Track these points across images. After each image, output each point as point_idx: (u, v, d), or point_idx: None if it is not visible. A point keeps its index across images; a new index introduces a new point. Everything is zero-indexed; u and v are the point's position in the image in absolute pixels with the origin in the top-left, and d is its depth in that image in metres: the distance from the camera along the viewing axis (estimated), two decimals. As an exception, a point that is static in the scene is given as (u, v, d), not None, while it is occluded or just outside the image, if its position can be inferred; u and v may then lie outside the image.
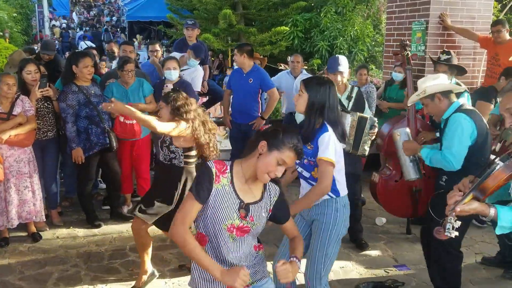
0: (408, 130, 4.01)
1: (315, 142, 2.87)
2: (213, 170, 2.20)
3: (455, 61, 4.58)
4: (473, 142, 3.28)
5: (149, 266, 3.92)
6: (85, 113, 4.78)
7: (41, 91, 4.68)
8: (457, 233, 2.12)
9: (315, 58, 12.34)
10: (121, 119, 5.07)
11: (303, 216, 3.13)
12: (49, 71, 5.67)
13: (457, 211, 2.14)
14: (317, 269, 2.92)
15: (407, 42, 5.06)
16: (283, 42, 12.29)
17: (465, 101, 4.31)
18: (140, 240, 3.83)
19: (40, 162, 4.80)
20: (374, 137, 4.41)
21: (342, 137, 2.93)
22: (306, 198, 2.95)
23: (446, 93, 3.41)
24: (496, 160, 2.21)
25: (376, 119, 4.52)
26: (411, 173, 4.02)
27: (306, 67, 11.83)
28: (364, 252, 4.57)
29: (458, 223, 2.12)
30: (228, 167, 2.24)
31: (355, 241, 4.69)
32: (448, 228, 2.12)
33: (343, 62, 4.38)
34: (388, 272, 4.21)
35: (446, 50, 4.65)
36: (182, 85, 5.08)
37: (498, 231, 2.19)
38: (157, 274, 3.96)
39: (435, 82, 3.46)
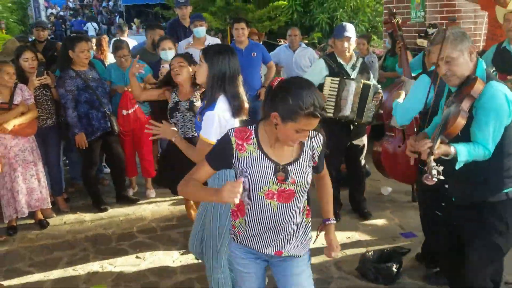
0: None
1: (201, 115, 2.75)
2: (232, 139, 2.09)
3: None
4: (428, 105, 3.29)
5: None
6: (84, 98, 4.76)
7: (39, 79, 4.66)
8: (442, 177, 2.23)
9: (316, 32, 12.18)
10: (124, 112, 5.08)
11: None
12: (45, 55, 5.67)
13: (436, 154, 2.32)
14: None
15: (394, 10, 5.00)
16: (282, 17, 12.11)
17: None
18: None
19: (42, 150, 4.81)
20: (378, 102, 4.37)
21: (237, 111, 2.72)
22: (186, 145, 2.83)
23: None
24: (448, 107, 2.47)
25: (379, 86, 4.49)
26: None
27: (306, 41, 11.73)
28: (370, 222, 4.58)
29: (440, 167, 2.25)
30: (253, 132, 2.11)
31: (358, 210, 4.69)
32: (434, 174, 2.23)
33: (350, 29, 4.35)
34: (395, 240, 4.22)
35: (432, 23, 4.55)
36: None
37: (458, 166, 2.42)
38: None
39: None
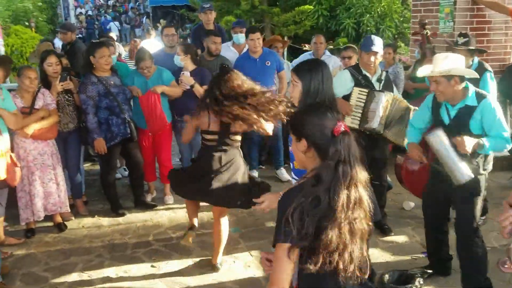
0: (440, 131, 3.33)
1: None
2: None
3: (473, 44, 4.23)
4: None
5: None
6: (105, 104, 4.78)
7: (62, 85, 4.69)
8: None
9: (341, 37, 12.04)
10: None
11: None
12: (71, 58, 5.72)
13: None
14: None
15: (426, 20, 4.85)
16: (307, 21, 11.99)
17: (485, 83, 4.11)
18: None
19: (62, 153, 4.84)
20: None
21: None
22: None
23: (463, 78, 3.25)
24: None
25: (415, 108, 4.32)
26: (464, 173, 3.23)
27: (332, 47, 11.61)
28: (390, 238, 4.46)
29: None
30: None
31: (378, 226, 4.58)
32: None
33: (378, 42, 4.29)
34: (415, 259, 4.10)
35: (463, 32, 4.35)
36: (200, 73, 5.02)
37: None
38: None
39: (457, 63, 3.27)
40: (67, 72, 4.81)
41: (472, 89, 3.29)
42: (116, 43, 7.06)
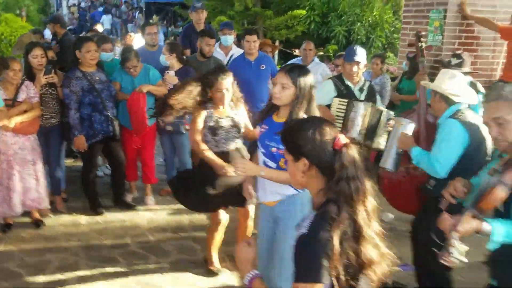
0: (413, 125, 3.67)
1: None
2: None
3: (467, 65, 4.23)
4: (464, 152, 3.09)
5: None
6: (88, 100, 4.71)
7: (46, 78, 4.63)
8: (465, 260, 2.01)
9: (332, 44, 12.09)
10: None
11: (266, 214, 3.04)
12: (62, 52, 5.66)
13: (461, 231, 2.06)
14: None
15: (422, 33, 4.84)
16: (299, 26, 12.02)
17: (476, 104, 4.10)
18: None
19: (44, 148, 4.77)
20: (390, 129, 4.26)
21: None
22: (277, 173, 2.81)
23: (445, 97, 3.25)
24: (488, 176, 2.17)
25: (392, 112, 4.38)
26: (389, 163, 3.73)
27: (322, 53, 11.63)
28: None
29: (464, 247, 2.02)
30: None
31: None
32: (452, 253, 2.02)
33: (361, 53, 4.30)
34: (391, 272, 4.09)
35: (457, 53, 4.35)
36: (185, 72, 5.01)
37: (491, 246, 2.12)
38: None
39: (449, 82, 3.28)
40: (52, 65, 4.73)
41: (453, 110, 3.22)
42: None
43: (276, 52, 11.27)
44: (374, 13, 11.94)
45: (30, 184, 4.52)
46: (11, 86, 4.43)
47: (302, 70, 2.90)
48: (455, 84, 3.26)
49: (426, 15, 6.26)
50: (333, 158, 1.70)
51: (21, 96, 4.45)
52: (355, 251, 1.65)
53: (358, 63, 4.27)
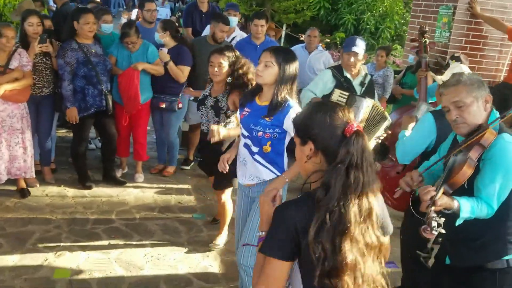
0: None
1: (280, 116, 2.82)
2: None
3: (464, 69, 4.11)
4: (430, 147, 3.06)
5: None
6: (83, 72, 4.63)
7: (40, 46, 4.53)
8: (443, 230, 2.05)
9: (340, 32, 11.93)
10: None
11: (245, 193, 3.14)
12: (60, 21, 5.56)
13: (438, 205, 2.11)
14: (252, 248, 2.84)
15: (427, 29, 4.72)
16: (308, 11, 11.85)
17: None
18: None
19: (34, 118, 4.72)
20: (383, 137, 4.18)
21: None
22: (294, 169, 2.85)
23: None
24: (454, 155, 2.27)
25: (391, 121, 4.25)
26: None
27: (328, 40, 11.48)
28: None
29: (442, 219, 2.05)
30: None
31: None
32: (434, 226, 2.04)
33: (360, 44, 4.18)
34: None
35: (456, 55, 4.23)
36: (178, 51, 5.01)
37: (458, 223, 2.20)
38: None
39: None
40: (47, 34, 4.64)
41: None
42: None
43: (283, 35, 11.14)
44: (385, 4, 11.76)
45: (17, 152, 4.47)
46: (3, 53, 4.35)
47: (287, 52, 2.92)
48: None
49: (435, 10, 6.13)
50: (341, 145, 1.59)
51: (13, 64, 4.37)
52: (333, 245, 1.52)
53: (356, 54, 4.14)
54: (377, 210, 1.61)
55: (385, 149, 4.71)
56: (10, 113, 4.38)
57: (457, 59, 4.03)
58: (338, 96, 4.18)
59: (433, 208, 2.09)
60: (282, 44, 10.04)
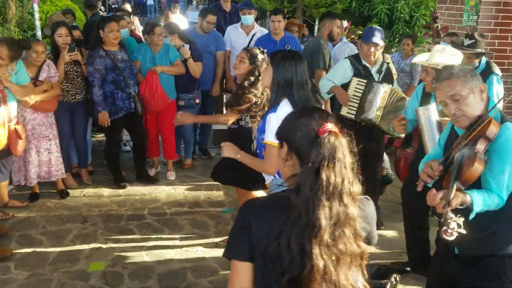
0: (432, 106, 3.48)
1: (263, 119, 2.85)
2: None
3: (480, 46, 4.00)
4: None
5: None
6: (111, 77, 4.88)
7: (70, 55, 4.81)
8: (464, 231, 2.01)
9: (373, 22, 11.76)
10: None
11: None
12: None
13: (453, 205, 2.09)
14: None
15: (438, 14, 4.72)
16: (339, 4, 11.76)
17: (489, 85, 3.94)
18: None
19: (69, 123, 5.02)
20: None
21: None
22: (252, 159, 2.89)
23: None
24: (460, 150, 2.22)
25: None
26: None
27: (361, 32, 11.35)
28: (380, 232, 4.43)
29: (461, 219, 2.02)
30: None
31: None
32: (453, 228, 2.00)
33: (379, 34, 4.23)
34: (401, 255, 4.07)
35: (470, 33, 4.12)
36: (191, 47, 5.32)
37: (471, 217, 2.18)
38: None
39: (453, 59, 3.19)
40: (75, 43, 4.91)
41: None
42: (134, 17, 7.15)
43: (315, 29, 11.11)
44: (418, -10, 11.51)
45: (46, 158, 4.75)
46: (34, 67, 4.63)
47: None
48: (443, 58, 3.19)
49: (462, -6, 6.01)
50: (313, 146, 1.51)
51: (42, 76, 4.64)
52: (302, 250, 1.43)
53: (376, 44, 4.20)
54: (356, 214, 1.49)
55: (409, 139, 4.70)
56: (39, 121, 4.66)
57: (471, 37, 3.95)
58: (357, 83, 4.25)
59: (449, 208, 2.06)
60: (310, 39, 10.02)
